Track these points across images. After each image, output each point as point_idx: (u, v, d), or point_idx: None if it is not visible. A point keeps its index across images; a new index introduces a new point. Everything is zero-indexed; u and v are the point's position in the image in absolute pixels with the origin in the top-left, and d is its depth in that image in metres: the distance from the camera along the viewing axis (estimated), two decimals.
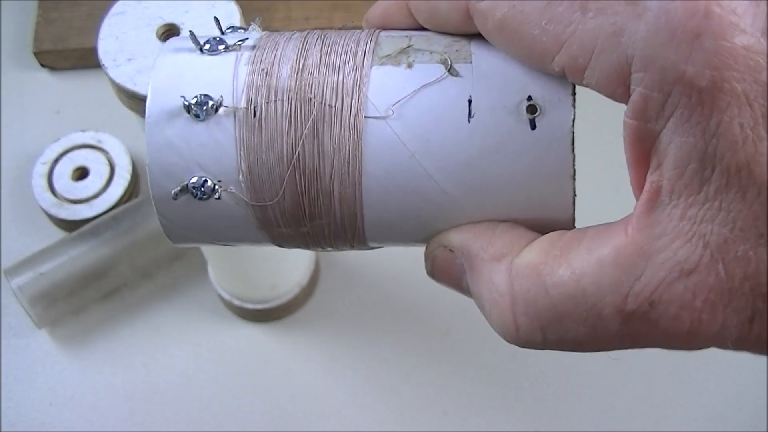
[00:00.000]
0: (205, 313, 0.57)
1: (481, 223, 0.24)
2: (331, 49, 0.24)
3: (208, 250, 0.51)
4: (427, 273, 0.26)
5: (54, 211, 0.58)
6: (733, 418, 0.53)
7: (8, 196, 0.62)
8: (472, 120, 0.23)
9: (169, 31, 0.38)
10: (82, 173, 0.59)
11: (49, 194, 0.58)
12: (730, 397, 0.54)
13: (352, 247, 0.26)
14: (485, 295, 0.23)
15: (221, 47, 0.25)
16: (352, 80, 0.23)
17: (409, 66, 0.24)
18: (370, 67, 0.24)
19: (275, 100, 0.24)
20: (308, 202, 0.24)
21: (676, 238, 0.20)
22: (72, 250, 0.55)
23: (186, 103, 0.24)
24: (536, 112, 0.23)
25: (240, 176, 0.24)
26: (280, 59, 0.24)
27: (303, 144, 0.23)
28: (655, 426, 0.53)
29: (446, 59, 0.23)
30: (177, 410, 0.54)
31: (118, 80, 0.36)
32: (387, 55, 0.24)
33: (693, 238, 0.20)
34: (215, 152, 0.24)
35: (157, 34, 0.37)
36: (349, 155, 0.23)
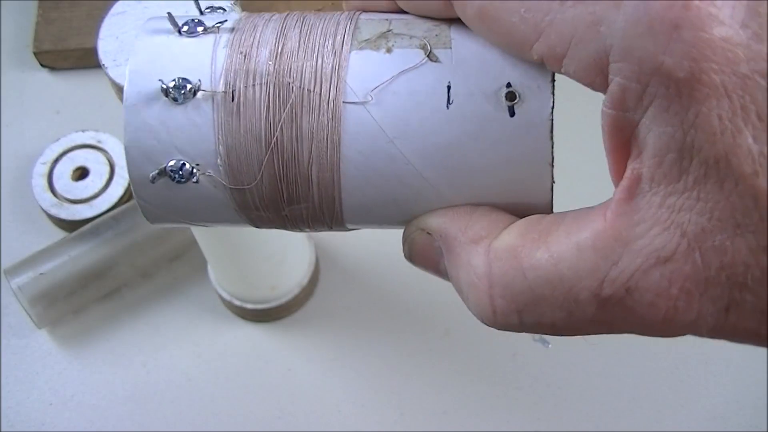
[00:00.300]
0: (205, 313, 0.57)
1: (460, 207, 0.24)
2: (310, 33, 0.24)
3: (208, 250, 0.51)
4: (405, 257, 0.26)
5: (54, 211, 0.58)
6: (733, 418, 0.53)
7: (8, 196, 0.62)
8: (450, 106, 0.23)
9: None
10: (82, 173, 0.59)
11: (49, 194, 0.58)
12: (730, 397, 0.54)
13: (330, 229, 0.26)
14: (463, 278, 0.23)
15: (200, 29, 0.25)
16: (330, 65, 0.23)
17: (389, 51, 0.23)
18: (349, 52, 0.24)
19: (253, 85, 0.23)
20: (286, 186, 0.24)
21: (654, 226, 0.20)
22: (72, 250, 0.55)
23: (164, 86, 0.23)
24: (515, 99, 0.22)
25: (218, 160, 0.24)
26: (258, 42, 0.24)
27: (281, 128, 0.23)
28: (655, 426, 0.53)
29: (426, 44, 0.23)
30: (177, 410, 0.54)
31: (118, 80, 0.36)
32: (366, 40, 0.24)
33: (671, 227, 0.20)
34: (193, 136, 0.24)
35: None
36: (327, 140, 0.23)
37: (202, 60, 0.24)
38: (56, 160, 0.59)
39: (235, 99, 0.23)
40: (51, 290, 0.54)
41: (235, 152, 0.24)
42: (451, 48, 0.23)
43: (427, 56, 0.23)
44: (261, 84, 0.23)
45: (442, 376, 0.55)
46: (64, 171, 0.59)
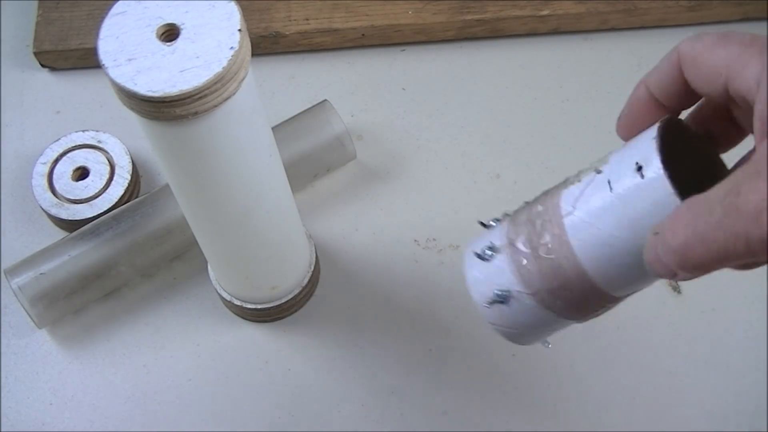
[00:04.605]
0: (205, 313, 0.57)
1: None
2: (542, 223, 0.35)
3: (208, 250, 0.51)
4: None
5: (54, 211, 0.58)
6: (733, 418, 0.53)
7: (8, 196, 0.62)
8: (612, 191, 0.32)
9: (169, 31, 0.38)
10: (82, 173, 0.59)
11: (49, 194, 0.58)
12: (730, 397, 0.54)
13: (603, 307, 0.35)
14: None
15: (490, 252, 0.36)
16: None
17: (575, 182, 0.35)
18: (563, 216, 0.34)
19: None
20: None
21: None
22: (72, 250, 0.55)
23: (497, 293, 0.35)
24: (643, 169, 0.31)
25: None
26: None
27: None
28: (655, 426, 0.53)
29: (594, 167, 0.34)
30: (177, 410, 0.54)
31: (118, 80, 0.36)
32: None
33: None
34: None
35: (157, 34, 0.37)
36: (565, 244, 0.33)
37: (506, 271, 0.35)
38: (56, 160, 0.59)
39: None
40: (51, 290, 0.54)
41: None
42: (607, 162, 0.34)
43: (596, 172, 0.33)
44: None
45: (442, 376, 0.55)
46: (64, 171, 0.59)
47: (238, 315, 0.57)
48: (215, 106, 0.37)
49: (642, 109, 0.34)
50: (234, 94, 0.38)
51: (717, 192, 0.27)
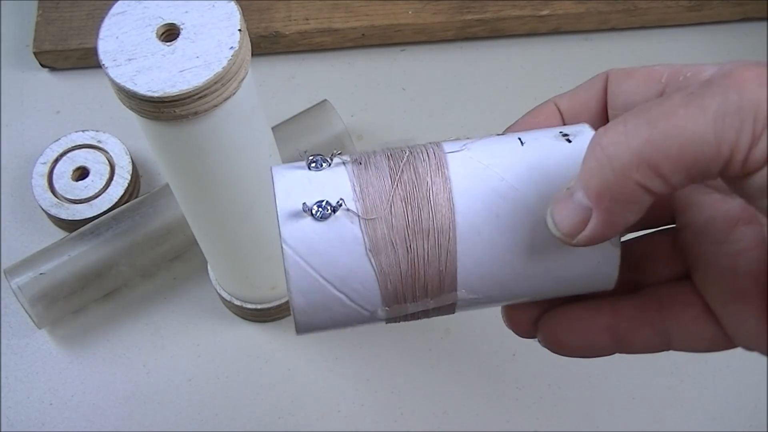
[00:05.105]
0: (205, 313, 0.57)
1: None
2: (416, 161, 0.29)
3: (208, 250, 0.51)
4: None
5: (54, 211, 0.58)
6: (733, 418, 0.53)
7: (8, 196, 0.62)
8: (524, 145, 0.29)
9: (169, 31, 0.38)
10: (82, 173, 0.59)
11: (49, 194, 0.58)
12: (730, 397, 0.54)
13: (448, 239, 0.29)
14: None
15: (324, 165, 0.29)
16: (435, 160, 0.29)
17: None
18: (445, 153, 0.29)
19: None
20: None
21: None
22: (72, 250, 0.55)
23: (308, 207, 0.28)
24: (569, 136, 0.29)
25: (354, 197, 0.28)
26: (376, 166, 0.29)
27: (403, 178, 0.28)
28: (655, 426, 0.53)
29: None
30: (177, 410, 0.54)
31: (118, 80, 0.36)
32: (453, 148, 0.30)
33: None
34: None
35: (156, 34, 0.37)
36: (439, 174, 0.28)
37: (341, 182, 0.28)
38: (56, 160, 0.59)
39: (363, 162, 0.29)
40: (51, 290, 0.54)
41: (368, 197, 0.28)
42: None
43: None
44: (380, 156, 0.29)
45: (442, 376, 0.55)
46: (64, 171, 0.59)
47: (238, 315, 0.57)
48: (215, 106, 0.37)
49: (542, 123, 0.32)
50: (234, 94, 0.38)
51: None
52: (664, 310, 0.30)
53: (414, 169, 0.28)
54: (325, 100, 0.60)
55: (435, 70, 0.66)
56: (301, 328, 0.30)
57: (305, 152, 0.29)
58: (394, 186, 0.28)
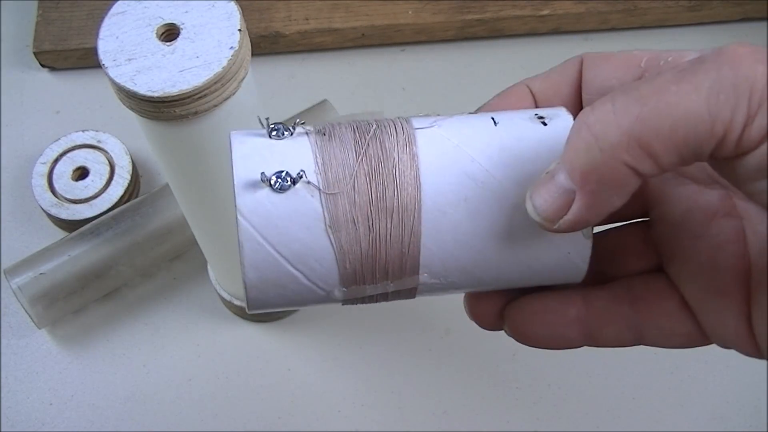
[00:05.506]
0: (205, 313, 0.57)
1: None
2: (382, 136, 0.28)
3: (208, 250, 0.51)
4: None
5: (54, 211, 0.58)
6: (733, 418, 0.53)
7: (8, 196, 0.62)
8: (498, 125, 0.28)
9: (169, 31, 0.38)
10: (82, 173, 0.59)
11: (49, 194, 0.58)
12: (730, 397, 0.54)
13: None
14: None
15: (286, 133, 0.28)
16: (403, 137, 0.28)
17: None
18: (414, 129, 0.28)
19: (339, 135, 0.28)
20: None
21: None
22: (72, 250, 0.55)
23: (266, 177, 0.26)
24: (545, 118, 0.28)
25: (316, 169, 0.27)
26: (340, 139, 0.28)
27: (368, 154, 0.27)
28: (655, 426, 0.53)
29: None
30: (177, 410, 0.54)
31: (118, 80, 0.36)
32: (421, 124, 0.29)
33: None
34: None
35: (156, 33, 0.37)
36: (407, 151, 0.27)
37: (303, 153, 0.27)
38: (56, 160, 0.59)
39: (327, 133, 0.27)
40: (51, 290, 0.54)
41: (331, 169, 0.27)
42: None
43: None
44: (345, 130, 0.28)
45: (442, 376, 0.55)
46: (64, 171, 0.59)
47: (238, 315, 0.57)
48: (215, 105, 0.37)
49: (514, 105, 0.31)
50: (234, 93, 0.38)
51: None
52: (637, 303, 0.29)
53: (381, 144, 0.27)
54: (325, 100, 0.60)
55: (435, 70, 0.66)
56: (253, 305, 0.28)
57: (267, 119, 0.28)
58: (359, 160, 0.27)
